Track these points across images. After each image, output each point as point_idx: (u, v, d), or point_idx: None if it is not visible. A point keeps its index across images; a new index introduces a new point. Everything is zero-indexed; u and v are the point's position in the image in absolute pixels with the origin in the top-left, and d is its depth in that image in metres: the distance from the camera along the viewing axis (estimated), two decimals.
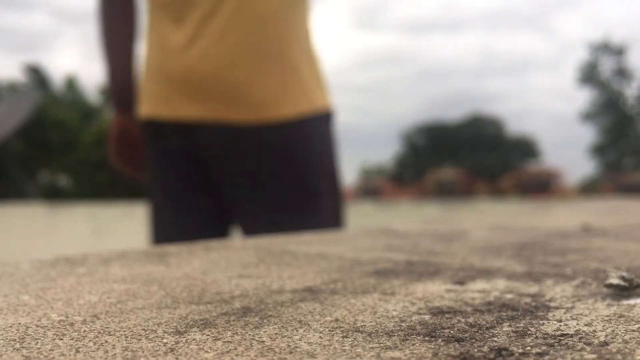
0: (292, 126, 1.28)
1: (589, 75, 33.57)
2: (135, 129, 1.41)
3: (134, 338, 0.46)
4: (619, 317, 0.52)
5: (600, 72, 33.32)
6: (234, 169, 1.30)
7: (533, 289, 0.67)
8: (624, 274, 0.62)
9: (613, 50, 33.13)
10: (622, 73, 32.95)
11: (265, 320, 0.52)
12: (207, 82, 1.22)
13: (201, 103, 1.24)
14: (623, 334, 0.46)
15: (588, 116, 33.90)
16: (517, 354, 0.41)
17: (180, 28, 1.22)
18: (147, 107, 1.31)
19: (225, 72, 1.22)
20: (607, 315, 0.53)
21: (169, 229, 1.38)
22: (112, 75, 1.37)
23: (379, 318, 0.53)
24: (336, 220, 1.40)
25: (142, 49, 1.37)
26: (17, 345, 0.44)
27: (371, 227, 1.72)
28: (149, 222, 1.42)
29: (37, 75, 37.28)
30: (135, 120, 1.39)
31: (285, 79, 1.26)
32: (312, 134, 1.33)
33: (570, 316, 0.53)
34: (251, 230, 1.34)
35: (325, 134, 1.37)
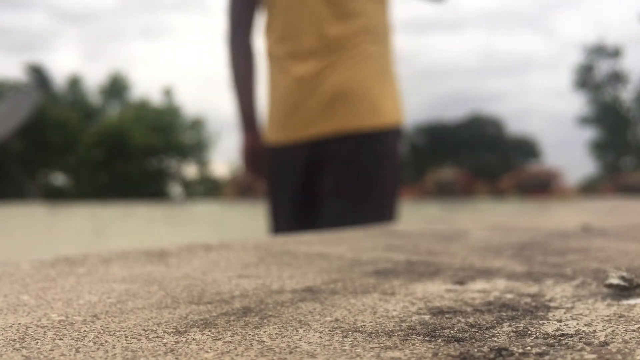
0: (390, 133, 1.63)
1: (584, 78, 33.53)
2: (259, 145, 1.78)
3: (134, 338, 0.46)
4: (619, 317, 0.52)
5: (595, 75, 33.30)
6: (344, 170, 1.62)
7: (533, 289, 0.67)
8: (624, 274, 0.62)
9: (608, 52, 33.10)
10: (618, 76, 32.91)
11: (265, 320, 0.52)
12: (334, 101, 1.58)
13: (330, 119, 1.59)
14: (623, 334, 0.46)
15: (585, 120, 33.93)
16: (517, 354, 0.41)
17: (308, 66, 1.58)
18: (280, 132, 1.67)
19: (349, 93, 1.57)
20: (607, 315, 0.53)
21: (286, 222, 1.72)
22: (242, 107, 1.76)
23: (379, 318, 0.53)
24: (395, 214, 1.74)
25: (263, 89, 1.74)
26: (17, 345, 0.44)
27: (371, 227, 1.72)
28: (269, 215, 1.78)
29: (38, 75, 37.30)
30: (259, 139, 1.78)
31: (389, 96, 1.63)
32: (396, 141, 1.68)
33: (570, 316, 0.53)
34: (342, 218, 1.62)
35: (401, 141, 1.72)
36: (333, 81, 1.56)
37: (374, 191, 1.63)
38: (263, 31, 1.70)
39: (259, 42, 1.74)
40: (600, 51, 33.45)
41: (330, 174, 1.63)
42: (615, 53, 33.22)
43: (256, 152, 1.80)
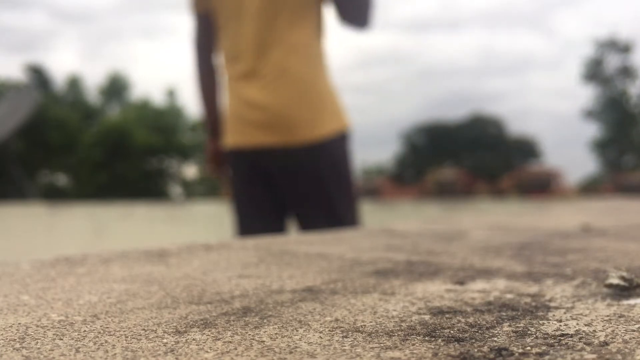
0: (328, 143, 1.79)
1: (594, 72, 33.48)
2: (220, 148, 2.00)
3: (134, 338, 0.46)
4: (619, 317, 0.52)
5: (604, 69, 33.24)
6: (290, 179, 1.82)
7: (533, 289, 0.67)
8: (624, 274, 0.62)
9: (619, 47, 33.05)
10: (627, 71, 32.87)
11: (265, 320, 0.52)
12: (272, 119, 1.78)
13: (268, 133, 1.79)
14: (623, 334, 0.46)
15: (590, 113, 33.87)
16: (517, 354, 0.41)
17: (251, 86, 1.79)
18: (231, 138, 1.86)
19: (283, 112, 1.77)
20: (607, 315, 0.53)
21: (249, 223, 1.88)
22: (207, 115, 2.00)
23: (379, 318, 0.53)
24: (357, 218, 1.86)
25: (225, 98, 1.95)
26: (17, 345, 0.44)
27: (371, 227, 1.72)
28: (234, 217, 1.94)
29: (38, 75, 37.29)
30: (220, 144, 1.99)
31: (317, 110, 1.80)
32: (341, 149, 1.83)
33: (570, 316, 0.53)
34: (304, 224, 1.82)
35: (348, 148, 1.87)
36: (269, 102, 1.78)
37: (319, 196, 1.81)
38: (220, 54, 1.94)
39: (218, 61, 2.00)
40: (612, 45, 33.37)
41: (279, 182, 1.84)
42: (625, 48, 33.16)
43: (217, 154, 2.02)
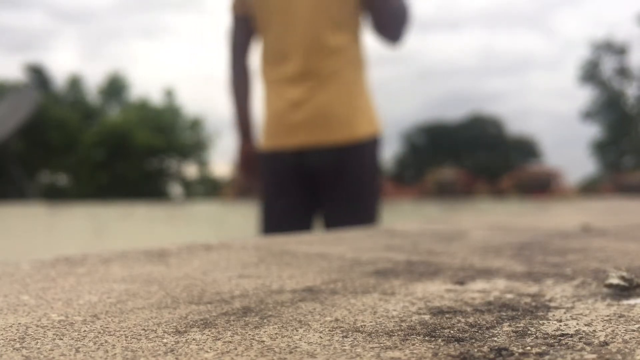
0: (365, 144, 1.88)
1: (591, 73, 33.55)
2: (253, 151, 2.03)
3: (134, 338, 0.46)
4: (619, 317, 0.52)
5: (601, 71, 33.31)
6: (328, 176, 1.88)
7: (533, 289, 0.67)
8: (624, 274, 0.62)
9: (615, 49, 33.11)
10: (624, 72, 32.92)
11: (265, 320, 0.52)
12: (318, 119, 1.85)
13: (313, 133, 1.86)
14: (623, 334, 0.46)
15: (589, 115, 33.93)
16: (517, 354, 0.41)
17: (298, 88, 1.85)
18: (271, 140, 1.92)
19: (329, 112, 1.85)
20: (607, 315, 0.53)
21: (278, 223, 1.92)
22: (239, 119, 2.02)
23: (379, 318, 0.53)
24: (379, 217, 1.94)
25: (259, 102, 1.99)
26: (17, 345, 0.44)
27: (371, 227, 1.72)
28: (260, 217, 1.98)
29: (38, 75, 37.28)
30: (253, 146, 2.03)
31: (363, 114, 1.89)
32: (376, 151, 1.92)
33: (570, 316, 0.53)
34: (332, 220, 1.88)
35: (380, 151, 1.96)
36: (313, 103, 1.85)
37: (354, 195, 1.88)
38: (258, 56, 1.97)
39: (254, 64, 2.03)
40: (608, 47, 33.43)
41: (319, 180, 1.89)
42: (621, 50, 33.20)
43: (250, 157, 2.04)
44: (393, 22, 1.85)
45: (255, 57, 2.02)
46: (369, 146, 1.89)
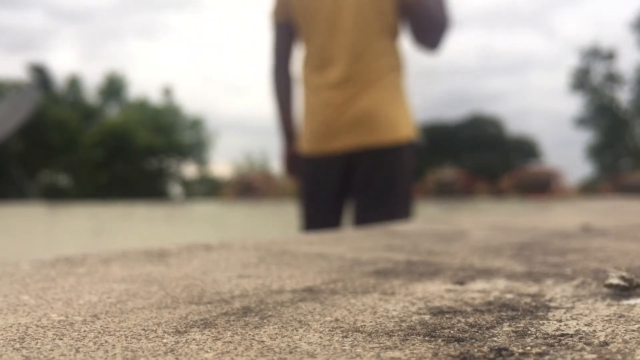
0: (403, 146, 1.94)
1: (581, 81, 33.59)
2: (296, 153, 2.12)
3: (134, 338, 0.46)
4: (619, 317, 0.52)
5: (592, 77, 33.33)
6: (368, 176, 1.93)
7: (533, 289, 0.67)
8: (624, 274, 0.62)
9: (603, 55, 33.16)
10: (613, 78, 32.91)
11: (265, 320, 0.52)
12: (363, 122, 1.91)
13: (355, 135, 1.93)
14: (623, 334, 0.46)
15: (582, 121, 33.99)
16: (517, 354, 0.41)
17: (343, 93, 1.92)
18: (316, 144, 2.00)
19: (373, 115, 1.91)
20: (607, 315, 0.53)
21: (316, 220, 2.02)
22: (283, 123, 2.11)
23: (379, 318, 0.53)
24: (411, 211, 2.02)
25: (305, 106, 2.04)
26: (17, 345, 0.44)
27: (371, 227, 1.72)
28: (303, 217, 2.08)
29: (39, 75, 37.26)
30: (296, 148, 2.12)
31: (403, 117, 1.96)
32: (412, 154, 1.99)
33: (570, 316, 0.53)
34: (364, 217, 1.92)
35: (414, 154, 2.02)
36: (357, 106, 1.91)
37: (392, 193, 1.93)
38: (300, 63, 2.05)
39: (296, 71, 2.12)
40: (596, 54, 33.52)
41: (357, 180, 1.96)
42: (609, 55, 33.26)
43: (294, 158, 2.14)
44: (432, 29, 1.89)
45: (296, 63, 2.09)
46: (408, 148, 1.96)
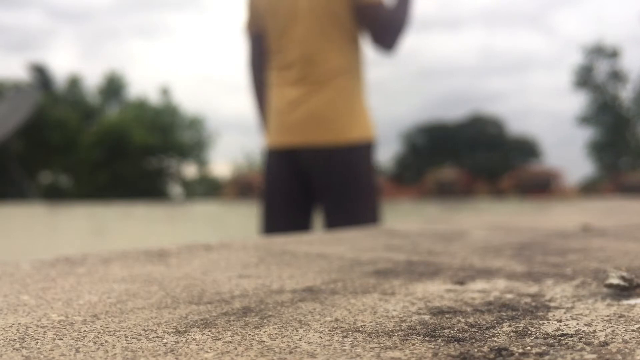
0: (359, 147, 1.98)
1: (585, 79, 33.62)
2: None
3: (134, 338, 0.46)
4: (619, 317, 0.52)
5: (595, 75, 33.36)
6: (323, 176, 1.98)
7: (533, 289, 0.67)
8: (624, 274, 0.62)
9: (607, 53, 33.18)
10: (617, 76, 32.96)
11: (265, 320, 0.52)
12: (313, 119, 1.98)
13: (308, 133, 1.99)
14: (623, 334, 0.46)
15: (584, 119, 34.00)
16: (517, 354, 0.41)
17: (297, 90, 2.01)
18: (270, 139, 2.08)
19: (324, 113, 1.98)
20: (607, 315, 0.53)
21: (276, 220, 2.04)
22: (262, 119, 2.21)
23: (379, 318, 0.53)
24: (377, 217, 2.02)
25: (269, 103, 2.14)
26: (17, 345, 0.44)
27: (371, 227, 1.72)
28: (260, 215, 2.11)
29: (40, 75, 37.25)
30: None
31: (357, 118, 2.01)
32: (369, 154, 2.01)
33: (570, 316, 0.53)
34: (328, 220, 1.96)
35: (374, 155, 2.04)
36: (309, 104, 1.99)
37: (351, 196, 1.97)
38: (269, 65, 2.17)
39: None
40: (600, 51, 33.55)
41: (317, 184, 1.99)
42: (613, 54, 33.29)
43: None
44: (388, 32, 2.00)
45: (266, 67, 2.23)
46: (361, 150, 1.99)
